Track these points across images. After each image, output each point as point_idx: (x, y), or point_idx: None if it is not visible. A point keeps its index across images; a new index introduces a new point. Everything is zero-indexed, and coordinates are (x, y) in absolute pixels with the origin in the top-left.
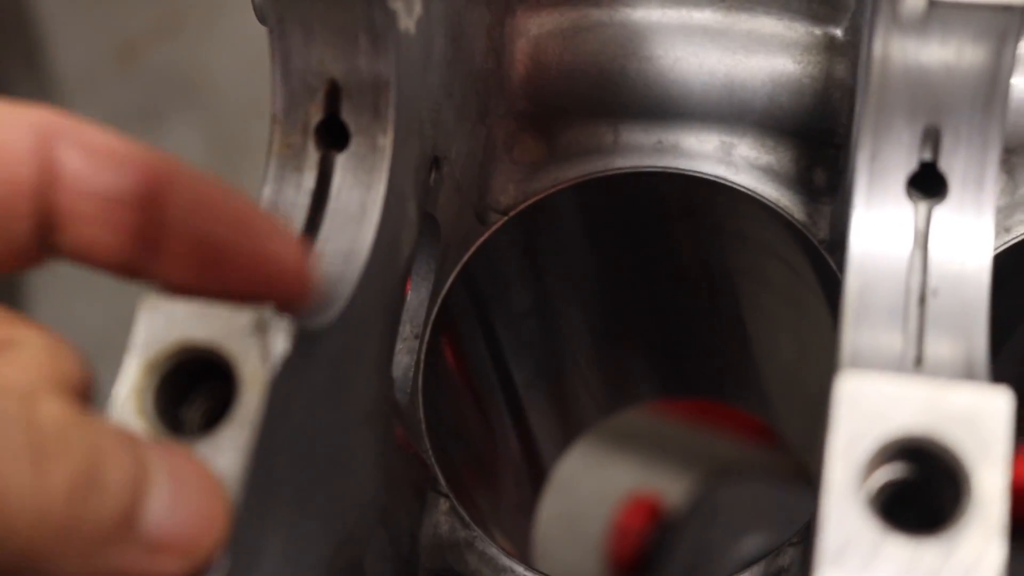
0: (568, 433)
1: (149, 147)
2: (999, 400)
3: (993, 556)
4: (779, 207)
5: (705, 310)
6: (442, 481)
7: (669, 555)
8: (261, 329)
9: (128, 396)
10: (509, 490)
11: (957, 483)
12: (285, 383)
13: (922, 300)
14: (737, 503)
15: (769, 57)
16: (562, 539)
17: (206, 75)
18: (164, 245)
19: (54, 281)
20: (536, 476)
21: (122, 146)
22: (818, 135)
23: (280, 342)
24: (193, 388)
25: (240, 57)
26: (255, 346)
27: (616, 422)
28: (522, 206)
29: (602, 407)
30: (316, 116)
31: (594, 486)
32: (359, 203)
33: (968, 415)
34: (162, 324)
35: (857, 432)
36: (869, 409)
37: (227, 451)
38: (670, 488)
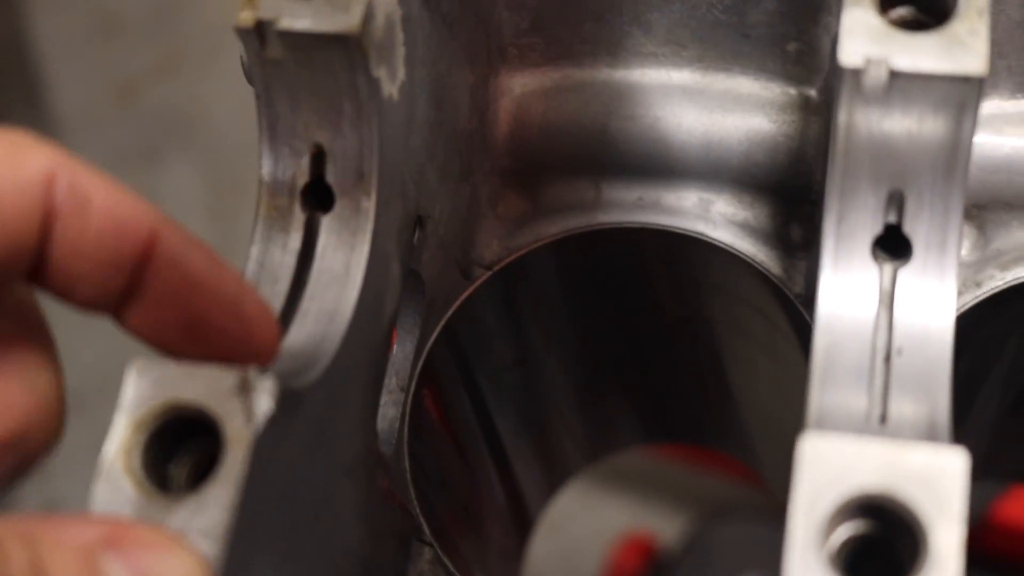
0: (553, 481)
1: (146, 204)
2: (955, 460)
3: None
4: (756, 262)
5: (685, 360)
6: (426, 530)
7: None
8: (245, 390)
9: (116, 454)
10: (496, 538)
11: (915, 540)
12: (268, 442)
13: (887, 359)
14: (732, 543)
15: (745, 116)
16: None
17: (204, 114)
18: (142, 300)
19: (54, 318)
20: (522, 523)
21: (123, 203)
22: (794, 192)
23: (264, 402)
24: (180, 446)
25: (238, 97)
26: (239, 406)
27: (610, 462)
28: (505, 261)
29: (586, 455)
30: (302, 179)
31: (588, 526)
32: (343, 264)
33: (925, 474)
34: (150, 384)
35: (818, 491)
36: (830, 469)
37: (212, 509)
38: (665, 528)
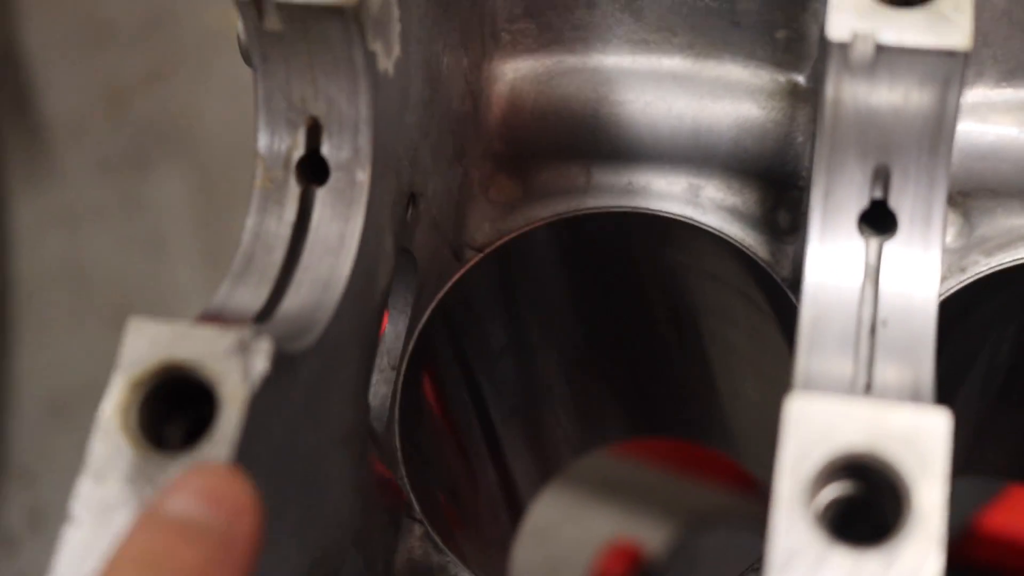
0: (544, 470)
1: None
2: (938, 419)
3: (931, 566)
4: (744, 246)
5: (672, 348)
6: (417, 507)
7: None
8: (242, 350)
9: (113, 413)
10: (487, 524)
11: (899, 498)
12: (263, 403)
13: (873, 330)
14: (718, 551)
15: (735, 102)
16: None
17: (194, 122)
18: None
19: (40, 322)
20: (513, 512)
21: None
22: (782, 178)
23: (260, 362)
24: (177, 405)
25: (227, 105)
26: (236, 366)
27: (596, 468)
28: (497, 243)
29: (575, 445)
30: (298, 152)
31: (574, 533)
32: (338, 235)
33: (909, 434)
34: (147, 344)
35: (804, 450)
36: (816, 428)
37: None
38: (651, 535)
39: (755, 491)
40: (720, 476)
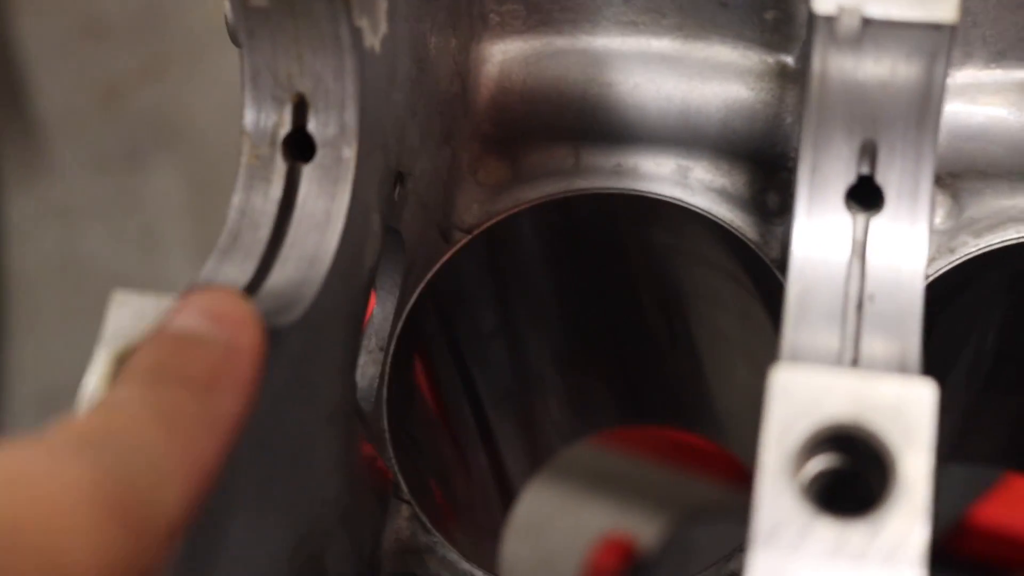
0: (535, 457)
1: None
2: (924, 390)
3: (917, 536)
4: (733, 227)
5: (661, 332)
6: (404, 488)
7: None
8: None
9: (98, 386)
10: (477, 511)
11: (884, 468)
12: None
13: (859, 305)
14: (711, 544)
15: (724, 84)
16: None
17: (188, 118)
18: None
19: (34, 317)
20: (504, 499)
21: None
22: (771, 159)
23: None
24: None
25: (221, 100)
26: None
27: (587, 460)
28: (485, 225)
29: (565, 432)
30: (284, 129)
31: (567, 527)
32: (324, 211)
33: (895, 404)
34: (131, 317)
35: (789, 420)
36: (801, 399)
37: None
38: (644, 529)
39: (747, 481)
40: (713, 467)
